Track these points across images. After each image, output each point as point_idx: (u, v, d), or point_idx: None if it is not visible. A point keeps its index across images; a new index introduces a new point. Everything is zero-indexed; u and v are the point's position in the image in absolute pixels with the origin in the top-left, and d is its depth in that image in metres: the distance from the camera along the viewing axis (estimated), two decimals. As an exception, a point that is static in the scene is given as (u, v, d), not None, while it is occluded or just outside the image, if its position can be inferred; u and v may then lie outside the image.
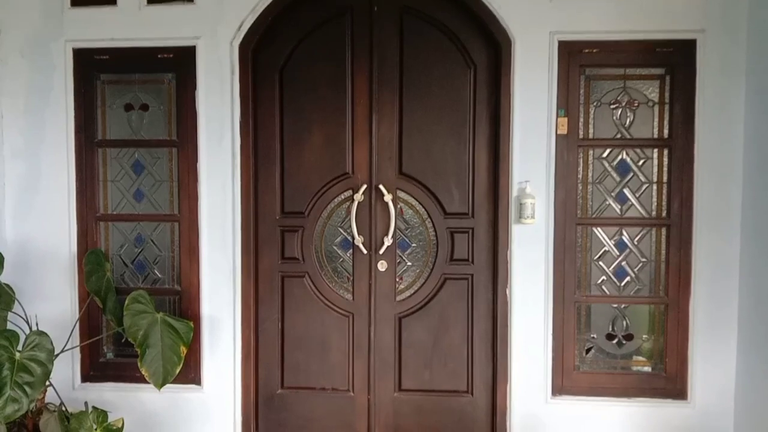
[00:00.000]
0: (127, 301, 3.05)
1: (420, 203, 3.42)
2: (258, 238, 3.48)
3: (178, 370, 3.06)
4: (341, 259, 3.49)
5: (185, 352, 3.10)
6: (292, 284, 3.51)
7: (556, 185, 3.28)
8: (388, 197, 3.36)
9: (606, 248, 3.35)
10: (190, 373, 3.47)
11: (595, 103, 3.30)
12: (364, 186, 3.39)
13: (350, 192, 3.43)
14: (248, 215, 3.41)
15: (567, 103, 3.27)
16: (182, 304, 3.48)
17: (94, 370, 3.54)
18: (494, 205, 3.36)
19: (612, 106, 3.30)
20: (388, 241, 3.37)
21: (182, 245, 3.45)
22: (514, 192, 3.28)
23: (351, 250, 3.47)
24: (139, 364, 3.01)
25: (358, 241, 3.39)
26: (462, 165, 3.37)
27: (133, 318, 3.03)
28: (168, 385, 3.23)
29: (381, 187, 3.37)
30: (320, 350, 3.51)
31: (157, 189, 3.48)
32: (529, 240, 3.28)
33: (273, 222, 3.48)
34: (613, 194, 3.33)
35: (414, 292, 3.46)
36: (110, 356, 3.55)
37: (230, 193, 3.39)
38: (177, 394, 3.47)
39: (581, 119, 3.29)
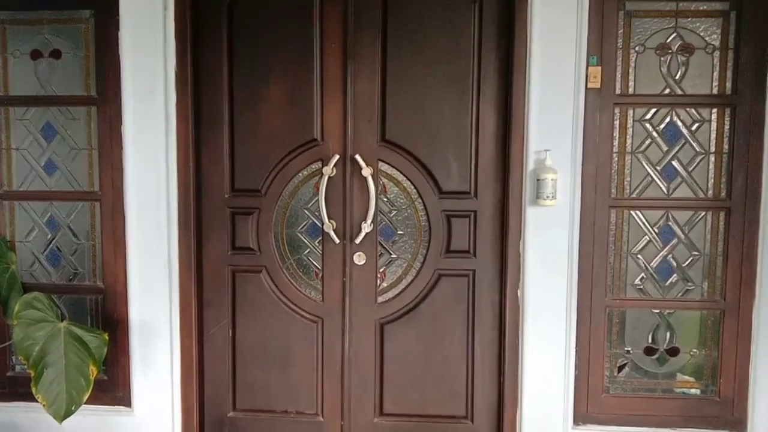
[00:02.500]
0: (17, 307, 2.32)
1: (408, 179, 2.67)
2: (201, 222, 2.74)
3: (86, 397, 2.34)
4: (308, 250, 2.74)
5: (96, 372, 2.37)
6: (246, 281, 2.77)
7: (584, 156, 2.52)
8: (367, 171, 2.61)
9: (647, 238, 2.60)
10: (117, 391, 2.77)
11: (636, 48, 2.53)
12: (337, 157, 2.63)
13: (319, 164, 2.68)
14: (188, 193, 2.66)
15: (600, 48, 2.50)
16: (106, 306, 2.75)
17: (0, 387, 2.82)
18: (503, 181, 2.60)
19: (659, 53, 2.53)
20: (366, 228, 2.62)
21: (105, 231, 2.71)
22: (530, 165, 2.52)
23: (320, 239, 2.72)
24: (33, 389, 2.29)
25: (328, 227, 2.64)
26: (462, 129, 2.61)
27: (27, 329, 2.30)
28: (91, 407, 2.66)
29: (358, 158, 2.61)
30: (282, 364, 2.78)
31: (74, 159, 2.74)
32: (548, 227, 2.54)
33: (220, 202, 2.73)
34: (657, 168, 2.57)
35: (400, 292, 2.73)
36: (20, 369, 2.82)
37: (164, 165, 2.64)
38: (102, 417, 2.77)
39: (618, 69, 2.53)
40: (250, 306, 2.77)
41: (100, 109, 2.67)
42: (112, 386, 2.77)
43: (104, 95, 2.66)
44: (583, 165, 2.52)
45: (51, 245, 2.78)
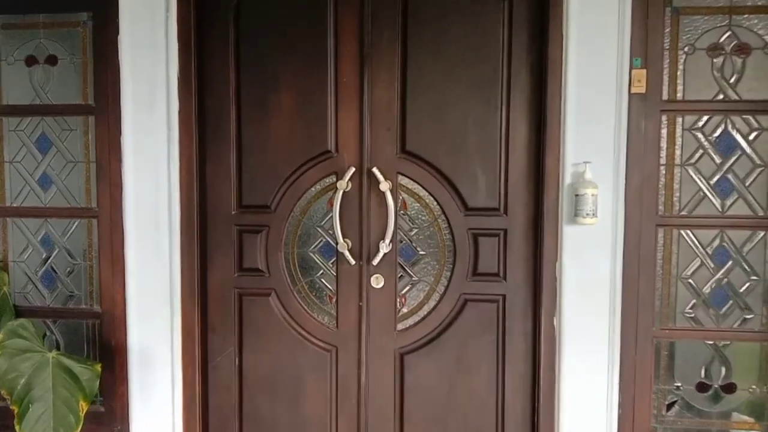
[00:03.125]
0: (0, 336, 2.10)
1: (430, 194, 2.42)
2: (206, 241, 2.52)
3: (75, 435, 2.11)
4: (321, 272, 2.51)
5: (86, 408, 2.15)
6: (254, 306, 2.54)
7: (628, 169, 2.26)
8: (385, 185, 2.37)
9: (699, 261, 2.32)
10: (115, 424, 2.55)
11: (685, 49, 2.27)
12: (352, 170, 2.40)
13: (333, 178, 2.45)
14: (191, 210, 2.44)
15: (645, 48, 2.24)
16: (104, 332, 2.54)
17: (-10, 418, 2.62)
18: (537, 197, 2.35)
19: (710, 54, 2.27)
20: (385, 248, 2.38)
21: (102, 251, 2.51)
22: (568, 178, 2.27)
23: (334, 259, 2.49)
24: (17, 426, 2.07)
25: (343, 246, 2.40)
26: (491, 139, 2.37)
27: (11, 360, 2.10)
28: (86, 441, 2.36)
29: (376, 171, 2.38)
30: (292, 397, 2.54)
31: (70, 173, 2.54)
32: (587, 248, 2.27)
33: (227, 220, 2.51)
34: (710, 182, 2.29)
35: (422, 319, 2.47)
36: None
37: (166, 179, 2.43)
38: (98, 452, 2.54)
39: (665, 72, 2.26)
40: (257, 332, 2.54)
41: (98, 118, 2.47)
42: (110, 418, 2.55)
43: (102, 104, 2.46)
44: (626, 179, 2.26)
45: (46, 265, 2.58)
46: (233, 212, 2.51)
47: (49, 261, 2.57)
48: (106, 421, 2.55)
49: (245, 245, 2.52)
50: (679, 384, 2.36)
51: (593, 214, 2.20)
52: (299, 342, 2.52)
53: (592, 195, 2.20)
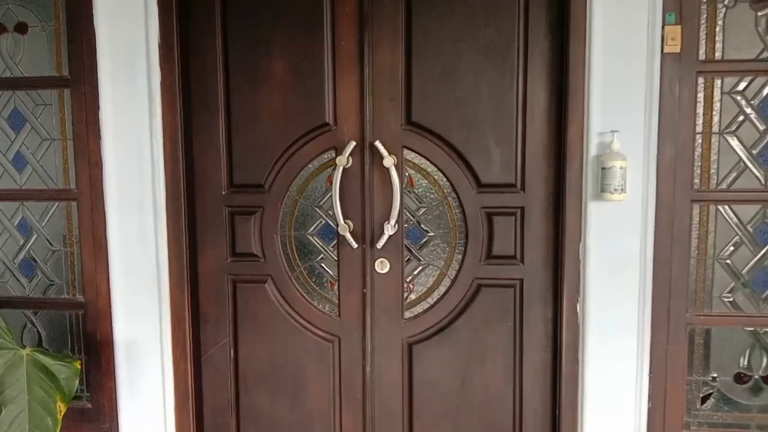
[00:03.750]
0: (-33, 331, 1.92)
1: (439, 169, 2.20)
2: (195, 224, 2.31)
3: (53, 439, 1.93)
4: (321, 256, 2.30)
5: (64, 410, 1.96)
6: (249, 293, 2.34)
7: (660, 138, 2.02)
8: (389, 161, 2.14)
9: (738, 239, 2.09)
10: (103, 421, 2.38)
11: (726, 2, 2.01)
12: (353, 144, 2.18)
13: (332, 153, 2.23)
14: (177, 190, 2.23)
15: (680, 2, 1.99)
16: (87, 323, 2.35)
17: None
18: (558, 171, 2.12)
19: (754, 7, 2.01)
20: (390, 229, 2.16)
21: (83, 236, 2.30)
22: (592, 150, 2.03)
23: (335, 242, 2.28)
24: (-12, 430, 1.90)
25: (344, 228, 2.19)
26: (506, 108, 2.13)
27: (-20, 357, 1.90)
28: (74, 439, 2.20)
29: (379, 145, 2.15)
30: (292, 391, 2.35)
31: (46, 151, 2.33)
32: (615, 226, 2.05)
33: (217, 200, 2.30)
34: (752, 152, 2.06)
35: (431, 306, 2.27)
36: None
37: (149, 157, 2.22)
38: (86, 451, 2.37)
39: (702, 29, 2.01)
40: (253, 322, 2.35)
41: (74, 92, 2.25)
42: (97, 415, 2.37)
43: (78, 76, 2.23)
44: (658, 149, 2.02)
45: (23, 252, 2.38)
46: (224, 192, 2.30)
47: (27, 247, 2.38)
48: (93, 417, 2.38)
49: (238, 228, 2.31)
50: (716, 375, 2.15)
51: (621, 189, 1.97)
52: (299, 332, 2.32)
53: (620, 168, 1.97)
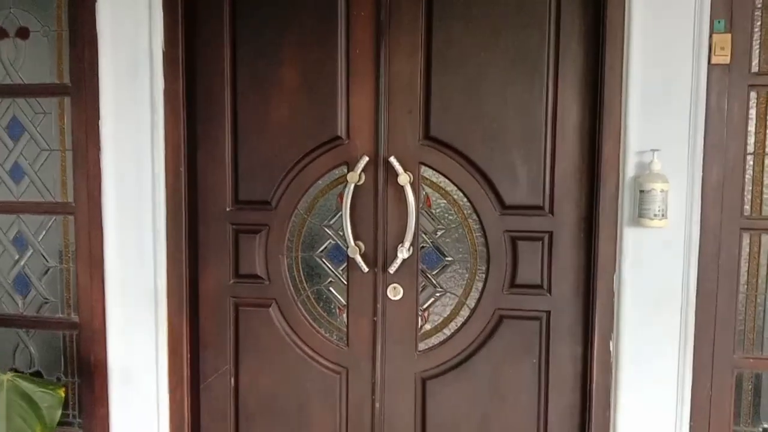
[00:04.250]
0: (-55, 353, 1.79)
1: (459, 189, 2.02)
2: (196, 243, 2.17)
3: (30, 474, 1.78)
4: (329, 280, 2.13)
5: (44, 441, 1.81)
6: (252, 318, 2.18)
7: (706, 159, 1.81)
8: (405, 178, 1.97)
9: (794, 272, 1.87)
10: (95, 451, 2.21)
11: (782, 9, 1.81)
12: (366, 159, 2.01)
13: (344, 169, 2.07)
14: (179, 205, 2.09)
15: (730, 7, 1.79)
16: (81, 345, 2.21)
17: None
18: (591, 193, 1.92)
19: (815, 14, 1.81)
20: (404, 253, 1.98)
21: (80, 252, 2.17)
22: (630, 170, 1.83)
23: (345, 265, 2.11)
24: (-38, 461, 1.75)
25: (354, 251, 2.01)
26: (534, 122, 1.95)
27: (-42, 381, 1.76)
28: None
29: (394, 161, 1.98)
30: (296, 425, 2.17)
31: (44, 163, 2.21)
32: (654, 256, 1.84)
33: (220, 217, 2.15)
34: (811, 175, 1.84)
35: (448, 338, 2.07)
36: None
37: (149, 169, 2.08)
38: (76, 483, 2.22)
39: (756, 37, 1.81)
40: (256, 349, 2.18)
41: (74, 100, 2.13)
42: (88, 445, 2.23)
43: (79, 82, 2.12)
44: (704, 171, 1.81)
45: (18, 267, 2.26)
46: (228, 209, 2.15)
47: (21, 263, 2.25)
48: (84, 448, 2.24)
49: (242, 247, 2.16)
50: (767, 425, 1.92)
51: (662, 215, 1.77)
52: (304, 362, 2.15)
53: (661, 191, 1.76)
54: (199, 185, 2.15)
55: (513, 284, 2.01)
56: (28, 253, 2.25)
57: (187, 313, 2.13)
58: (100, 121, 2.10)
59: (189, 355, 2.15)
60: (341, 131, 2.05)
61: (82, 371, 2.22)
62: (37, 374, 2.27)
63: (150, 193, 2.08)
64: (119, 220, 2.11)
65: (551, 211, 1.96)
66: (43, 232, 2.23)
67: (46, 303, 2.25)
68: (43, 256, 2.24)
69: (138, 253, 2.11)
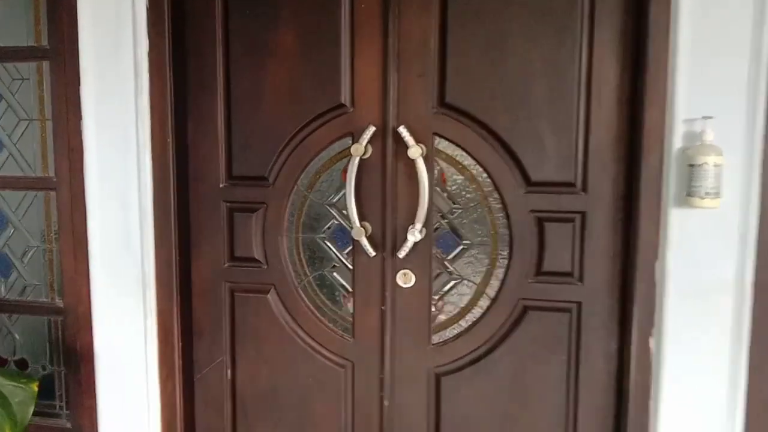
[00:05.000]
0: None
1: (479, 163, 1.78)
2: (187, 222, 1.97)
3: (-1, 476, 1.62)
4: (333, 264, 1.92)
5: (15, 440, 1.65)
6: (249, 305, 1.98)
7: (768, 127, 1.55)
8: (416, 151, 1.73)
9: None
10: (82, 447, 2.06)
11: None
12: (372, 129, 1.77)
13: (348, 141, 1.84)
14: (166, 180, 1.89)
15: (803, -54, 1.51)
16: (67, 332, 2.04)
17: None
18: (631, 167, 1.67)
19: None
20: (415, 235, 1.75)
21: (62, 231, 1.99)
22: (677, 141, 1.57)
23: (350, 248, 1.89)
24: (-74, 462, 1.59)
25: (359, 232, 1.79)
26: (565, 85, 1.69)
27: None
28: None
29: (404, 131, 1.74)
30: (298, 421, 1.99)
31: (24, 133, 2.03)
32: (704, 241, 1.59)
33: (214, 194, 1.95)
34: None
35: (465, 330, 1.85)
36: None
37: (134, 141, 1.88)
38: (63, 479, 2.07)
39: (833, -16, 1.53)
40: (254, 339, 1.99)
41: (54, 64, 1.93)
42: (74, 440, 2.08)
43: (58, 45, 1.92)
44: (766, 143, 1.55)
45: None
46: (221, 185, 1.94)
47: (2, 243, 2.09)
48: (70, 443, 2.08)
49: (237, 228, 1.95)
50: (832, 435, 1.67)
51: (715, 194, 1.51)
52: (305, 353, 1.95)
53: (714, 165, 1.51)
54: (190, 159, 1.94)
55: (539, 271, 1.77)
56: (9, 232, 2.08)
57: (178, 299, 1.94)
58: (80, 87, 1.90)
59: (181, 345, 1.97)
60: (345, 98, 1.81)
61: (68, 360, 2.06)
62: (22, 362, 2.13)
63: (135, 167, 1.89)
64: (103, 197, 1.92)
65: (584, 189, 1.71)
66: (25, 210, 2.06)
67: (30, 286, 2.08)
68: (27, 233, 2.06)
69: (124, 233, 1.92)
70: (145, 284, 1.93)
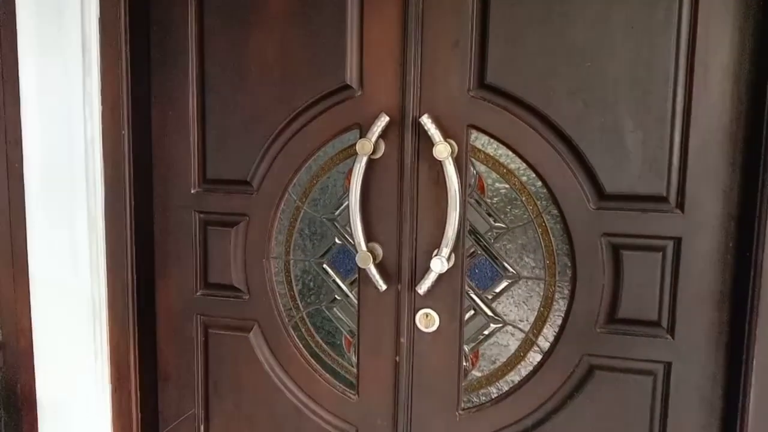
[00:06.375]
0: None
1: (531, 166, 1.30)
2: (151, 237, 1.54)
3: None
4: (333, 297, 1.47)
5: None
6: (227, 346, 1.55)
7: None
8: (444, 149, 1.26)
9: None
10: None
11: None
12: (385, 119, 1.31)
13: (354, 134, 1.38)
14: (120, 185, 1.47)
15: None
16: (7, 371, 1.64)
17: None
18: (748, 176, 1.17)
19: None
20: (441, 263, 1.28)
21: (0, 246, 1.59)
22: (829, 137, 1.08)
23: (356, 277, 1.44)
24: None
25: (365, 258, 1.33)
26: (654, 62, 1.20)
27: None
28: None
29: (428, 122, 1.28)
30: (286, 497, 1.55)
31: (-44, 123, 1.64)
32: None
33: (183, 202, 1.52)
34: None
35: (507, 393, 1.37)
36: None
37: (81, 134, 1.46)
38: None
39: None
40: (233, 389, 1.55)
41: (-13, 35, 1.54)
42: (16, 504, 1.67)
43: (-7, 12, 1.53)
44: None
45: (-70, 264, 1.71)
46: (193, 191, 1.51)
47: (-65, 258, 1.70)
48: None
49: (212, 246, 1.52)
50: None
51: None
52: (297, 412, 1.50)
53: None
54: (153, 157, 1.52)
55: (612, 318, 1.28)
56: (-59, 246, 1.69)
57: (136, 335, 1.52)
58: (18, 67, 1.49)
59: (138, 392, 1.54)
60: (350, 77, 1.36)
61: (8, 405, 1.65)
62: (-44, 405, 1.73)
63: (83, 167, 1.47)
64: (47, 205, 1.51)
65: (680, 205, 1.22)
66: (-41, 218, 1.67)
67: (-37, 313, 1.69)
68: (-42, 250, 1.67)
69: (71, 251, 1.51)
70: (96, 315, 1.52)
